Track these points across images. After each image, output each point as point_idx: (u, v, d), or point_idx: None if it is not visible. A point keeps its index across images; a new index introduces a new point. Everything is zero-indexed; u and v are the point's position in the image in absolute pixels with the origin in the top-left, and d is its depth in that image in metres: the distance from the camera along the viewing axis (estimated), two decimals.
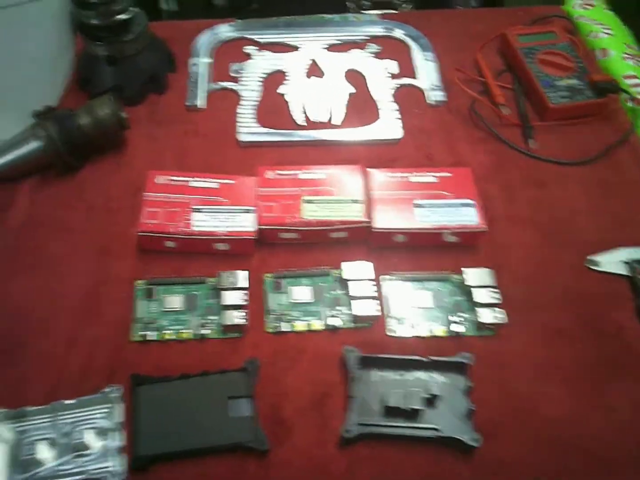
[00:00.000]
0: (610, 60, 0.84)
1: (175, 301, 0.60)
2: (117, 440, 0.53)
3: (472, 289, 0.60)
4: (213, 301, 0.61)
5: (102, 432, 0.53)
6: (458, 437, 0.52)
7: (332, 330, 0.60)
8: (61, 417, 0.54)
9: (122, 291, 0.62)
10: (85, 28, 0.76)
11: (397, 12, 0.95)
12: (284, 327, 0.59)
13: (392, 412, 0.53)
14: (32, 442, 0.52)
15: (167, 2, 1.31)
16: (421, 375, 0.56)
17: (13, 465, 0.51)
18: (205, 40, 0.87)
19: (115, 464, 0.51)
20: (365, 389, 0.55)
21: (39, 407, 0.54)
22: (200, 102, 0.79)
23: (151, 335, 0.58)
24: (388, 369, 0.56)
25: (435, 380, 0.56)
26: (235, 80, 0.82)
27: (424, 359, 0.56)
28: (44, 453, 0.52)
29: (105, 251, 0.65)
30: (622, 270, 0.64)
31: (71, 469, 0.51)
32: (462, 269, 0.62)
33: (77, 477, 0.51)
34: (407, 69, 0.84)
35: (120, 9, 0.74)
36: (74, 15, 0.79)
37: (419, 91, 0.82)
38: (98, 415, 0.54)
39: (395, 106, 0.79)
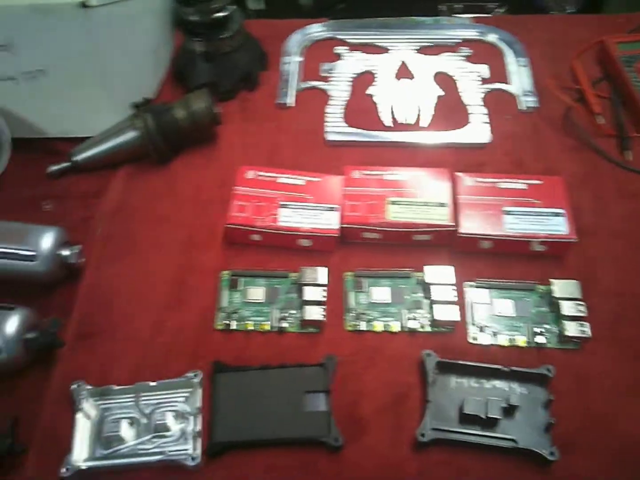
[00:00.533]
0: None
1: (257, 293, 0.61)
2: (195, 425, 0.54)
3: (559, 300, 0.59)
4: (293, 295, 0.62)
5: (181, 416, 0.55)
6: (535, 450, 0.51)
7: (410, 332, 0.59)
8: (144, 398, 0.56)
9: (207, 280, 0.63)
10: (184, 24, 0.79)
11: (490, 16, 0.93)
12: (363, 326, 0.60)
13: (468, 419, 0.53)
14: (115, 419, 0.55)
15: (255, 2, 1.34)
16: (500, 384, 0.55)
17: (97, 440, 0.54)
18: (297, 39, 0.88)
19: (192, 448, 0.53)
20: (442, 394, 0.55)
21: (124, 386, 0.56)
22: (291, 100, 0.80)
23: (233, 324, 0.60)
24: (467, 375, 0.56)
25: (515, 390, 0.55)
26: (325, 79, 0.83)
27: (504, 369, 0.55)
28: (126, 431, 0.54)
29: (192, 241, 0.67)
30: None
31: (151, 448, 0.54)
32: (551, 280, 0.60)
33: (156, 457, 0.53)
34: (500, 74, 0.83)
35: (218, 7, 0.77)
36: (174, 12, 0.81)
37: (511, 96, 0.80)
38: (179, 399, 0.56)
39: (485, 110, 0.78)
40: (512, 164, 0.73)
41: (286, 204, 0.65)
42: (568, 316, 0.58)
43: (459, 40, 0.87)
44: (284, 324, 0.59)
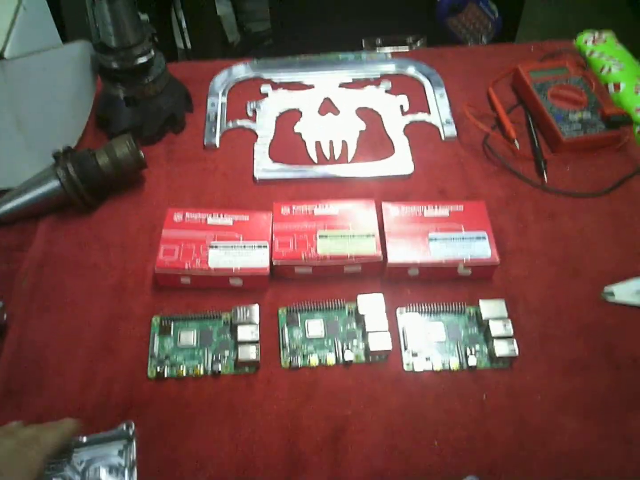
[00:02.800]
0: (622, 94, 0.84)
1: (189, 337, 0.61)
2: (131, 479, 0.53)
3: (488, 321, 0.60)
4: (227, 336, 0.61)
5: (116, 470, 0.53)
6: None
7: (345, 365, 0.59)
8: (76, 455, 0.54)
9: (138, 327, 0.62)
10: (105, 71, 0.79)
11: (408, 50, 0.96)
12: (299, 362, 0.59)
13: None
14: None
15: (183, 41, 1.35)
16: None
17: None
18: (222, 79, 0.89)
19: None
20: None
21: None
22: (218, 140, 0.81)
23: (166, 371, 0.59)
24: None
25: None
26: (251, 118, 0.84)
27: None
28: None
29: (122, 288, 0.66)
30: (638, 300, 0.64)
31: None
32: (480, 301, 0.62)
33: None
34: (421, 105, 0.86)
35: (140, 53, 0.77)
36: (95, 59, 0.81)
37: (432, 127, 0.83)
38: (113, 452, 0.54)
39: (407, 142, 0.80)
40: (437, 192, 0.75)
41: (216, 245, 0.64)
42: (497, 336, 0.59)
43: (379, 75, 0.90)
44: (219, 367, 0.59)
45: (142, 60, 0.77)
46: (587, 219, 0.72)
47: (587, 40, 0.94)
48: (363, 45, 1.27)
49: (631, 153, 0.78)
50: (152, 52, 0.79)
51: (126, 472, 0.53)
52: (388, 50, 0.96)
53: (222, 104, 0.86)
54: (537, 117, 0.82)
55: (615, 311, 0.64)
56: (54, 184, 0.69)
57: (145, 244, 0.69)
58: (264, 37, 1.30)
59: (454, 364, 0.59)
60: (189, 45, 1.32)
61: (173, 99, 0.83)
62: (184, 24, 1.28)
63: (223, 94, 0.88)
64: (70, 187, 0.69)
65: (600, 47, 0.92)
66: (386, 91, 0.87)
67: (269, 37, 1.27)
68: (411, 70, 0.91)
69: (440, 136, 0.82)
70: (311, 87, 0.88)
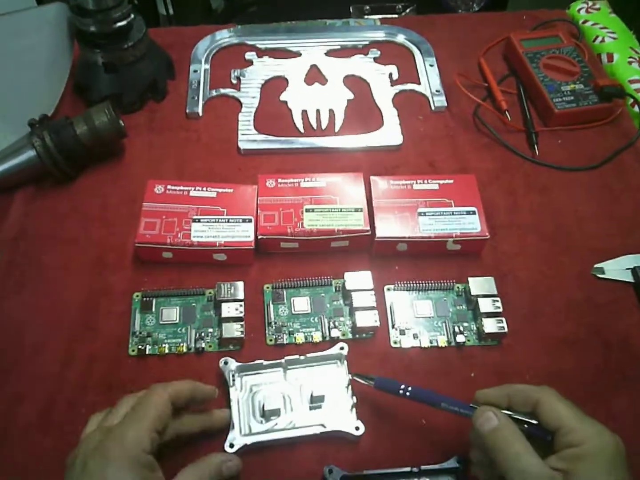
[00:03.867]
0: (616, 65, 0.83)
1: (171, 314, 0.59)
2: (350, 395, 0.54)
3: (477, 298, 0.59)
4: (210, 313, 0.59)
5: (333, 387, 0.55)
6: None
7: (332, 341, 0.58)
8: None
9: (119, 304, 0.60)
10: (83, 35, 0.75)
11: (399, 16, 0.93)
12: (284, 339, 0.58)
13: None
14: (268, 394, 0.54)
15: (165, 7, 1.30)
16: None
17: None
18: (205, 46, 0.86)
19: (352, 418, 0.53)
20: None
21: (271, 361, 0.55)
22: (201, 109, 0.78)
23: (149, 349, 0.57)
24: None
25: None
26: (235, 87, 0.81)
27: (413, 470, 0.51)
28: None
29: (102, 263, 0.64)
30: (628, 277, 0.63)
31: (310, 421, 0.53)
32: (468, 278, 0.60)
33: (317, 430, 0.52)
34: (410, 75, 0.83)
35: (118, 17, 0.73)
36: (71, 23, 0.78)
37: (422, 96, 0.81)
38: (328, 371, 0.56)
39: (396, 112, 0.78)
40: (426, 165, 0.73)
41: (198, 218, 0.62)
42: (486, 313, 0.58)
43: (368, 42, 0.87)
44: (202, 344, 0.57)
45: (121, 23, 0.74)
46: (578, 193, 0.71)
47: (580, 9, 0.92)
48: (351, 13, 1.24)
49: (624, 126, 0.77)
50: (132, 16, 0.75)
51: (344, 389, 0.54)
52: (377, 17, 0.93)
53: (205, 70, 0.83)
54: (529, 88, 0.81)
55: (605, 288, 0.63)
56: (29, 153, 0.67)
57: (126, 216, 0.67)
58: (248, 3, 1.26)
59: (442, 341, 0.58)
60: (171, 11, 1.28)
61: (154, 65, 0.80)
62: None
63: (206, 60, 0.84)
64: (47, 157, 0.66)
65: (594, 16, 0.90)
66: (375, 59, 0.85)
67: (253, 3, 1.23)
68: (400, 38, 0.88)
69: (430, 106, 0.79)
70: (297, 54, 0.86)
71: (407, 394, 0.50)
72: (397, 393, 0.50)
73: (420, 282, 0.62)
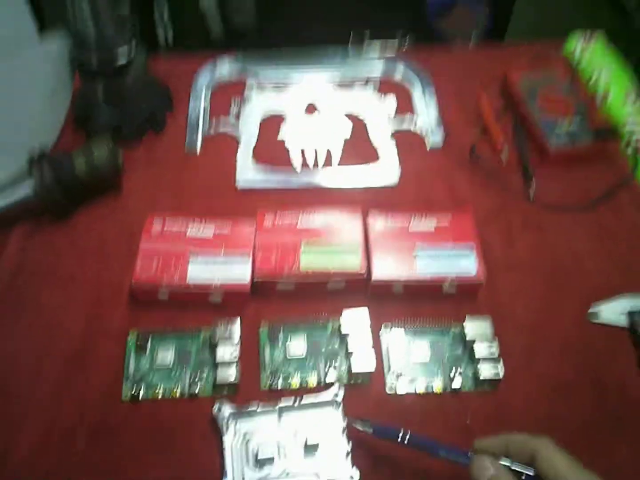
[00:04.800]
0: (611, 104, 0.83)
1: (167, 356, 0.59)
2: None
3: (472, 343, 0.59)
4: (205, 355, 0.59)
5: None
6: None
7: (329, 386, 0.58)
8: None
9: (114, 343, 0.60)
10: (83, 68, 0.76)
11: (399, 48, 0.94)
12: (279, 384, 0.58)
13: None
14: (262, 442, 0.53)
15: (164, 34, 1.31)
16: None
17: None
18: (204, 81, 0.86)
19: (347, 466, 0.53)
20: None
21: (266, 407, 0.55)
22: (199, 146, 0.78)
23: (142, 394, 0.57)
24: None
25: None
26: (234, 124, 0.81)
27: None
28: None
29: (98, 301, 0.63)
30: (623, 322, 0.63)
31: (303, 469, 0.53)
32: (464, 323, 0.60)
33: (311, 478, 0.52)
34: (408, 111, 0.84)
35: (120, 52, 0.73)
36: (72, 55, 0.78)
37: (419, 134, 0.81)
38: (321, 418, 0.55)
39: (395, 149, 0.78)
40: (423, 203, 0.73)
41: (195, 258, 0.62)
42: (481, 358, 0.58)
43: (367, 78, 0.87)
44: (196, 390, 0.57)
45: (123, 60, 0.74)
46: (574, 232, 0.71)
47: (576, 44, 0.93)
48: (350, 39, 1.25)
49: (618, 164, 0.78)
50: (133, 51, 0.76)
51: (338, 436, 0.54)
52: (376, 43, 0.93)
53: (204, 108, 0.83)
54: (526, 125, 0.81)
55: (601, 332, 0.63)
56: (26, 189, 0.67)
57: (123, 252, 0.67)
58: (248, 31, 1.26)
59: (438, 387, 0.58)
60: (170, 39, 1.29)
61: (153, 97, 0.80)
62: (165, 17, 1.25)
63: (205, 97, 0.85)
64: (45, 193, 0.66)
65: (590, 51, 0.91)
66: (373, 95, 0.85)
67: (254, 30, 1.24)
68: (399, 74, 0.88)
69: (427, 144, 0.80)
70: (296, 86, 0.86)
71: (405, 442, 0.50)
72: (396, 441, 0.50)
73: (416, 324, 0.62)
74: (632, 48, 0.98)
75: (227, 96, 0.85)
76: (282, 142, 0.79)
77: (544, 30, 0.97)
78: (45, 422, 0.56)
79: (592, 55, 0.90)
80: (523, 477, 0.45)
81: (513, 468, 0.45)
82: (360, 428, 0.52)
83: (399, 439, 0.50)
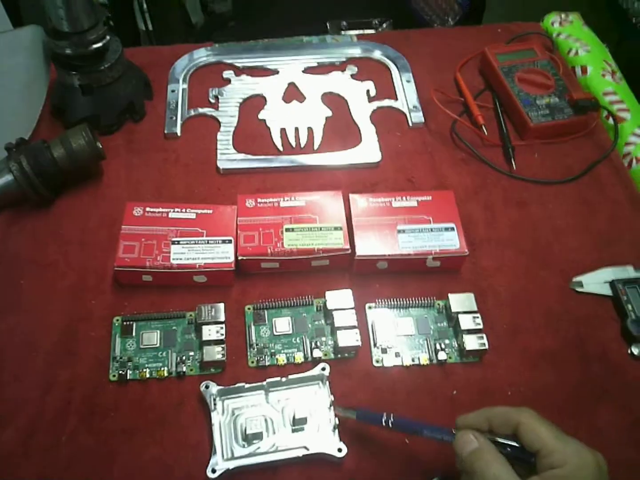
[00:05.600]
0: (590, 77, 0.84)
1: (152, 337, 0.59)
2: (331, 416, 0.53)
3: (457, 315, 0.59)
4: (191, 336, 0.59)
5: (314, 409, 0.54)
6: None
7: (314, 362, 0.58)
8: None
9: (100, 328, 0.60)
10: (59, 58, 0.75)
11: (376, 32, 0.94)
12: (266, 360, 0.58)
13: None
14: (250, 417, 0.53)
15: (144, 22, 1.30)
16: None
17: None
18: (182, 65, 0.86)
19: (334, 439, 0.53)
20: None
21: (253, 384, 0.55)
22: (179, 129, 0.78)
23: (130, 374, 0.57)
24: None
25: None
26: (214, 106, 0.81)
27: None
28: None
29: (82, 287, 0.63)
30: (606, 291, 0.64)
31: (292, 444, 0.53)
32: (449, 295, 0.61)
33: (300, 452, 0.52)
34: (388, 91, 0.84)
35: (94, 39, 0.73)
36: (47, 45, 0.77)
37: (399, 113, 0.81)
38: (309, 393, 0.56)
39: (374, 129, 0.78)
40: (405, 182, 0.73)
41: (178, 240, 0.62)
42: (466, 330, 0.59)
43: (345, 59, 0.87)
44: (183, 368, 0.57)
45: (97, 45, 0.73)
46: (555, 207, 0.72)
47: (553, 22, 0.93)
48: (328, 28, 1.25)
49: (598, 138, 0.78)
50: (107, 37, 0.75)
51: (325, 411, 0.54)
52: (354, 33, 0.94)
53: (183, 90, 0.83)
54: (505, 102, 0.81)
55: (584, 301, 0.63)
56: (7, 178, 0.66)
57: (105, 239, 0.67)
58: (228, 18, 1.26)
59: (424, 359, 0.59)
60: (150, 27, 1.28)
61: (131, 86, 0.79)
62: (144, 5, 1.24)
63: (184, 80, 0.84)
64: (25, 181, 0.66)
65: (567, 29, 0.91)
66: (352, 76, 0.85)
67: (232, 18, 1.24)
68: (377, 54, 0.89)
69: (408, 122, 0.80)
70: (275, 72, 0.86)
71: (390, 425, 0.50)
72: (380, 425, 0.50)
73: (401, 299, 0.62)
74: (612, 27, 0.99)
75: (206, 80, 0.84)
76: (263, 122, 0.79)
77: (521, 14, 0.97)
78: (34, 408, 0.55)
79: (569, 32, 0.91)
80: (508, 449, 0.45)
81: (497, 440, 0.45)
82: (342, 415, 0.52)
83: (383, 424, 0.50)
